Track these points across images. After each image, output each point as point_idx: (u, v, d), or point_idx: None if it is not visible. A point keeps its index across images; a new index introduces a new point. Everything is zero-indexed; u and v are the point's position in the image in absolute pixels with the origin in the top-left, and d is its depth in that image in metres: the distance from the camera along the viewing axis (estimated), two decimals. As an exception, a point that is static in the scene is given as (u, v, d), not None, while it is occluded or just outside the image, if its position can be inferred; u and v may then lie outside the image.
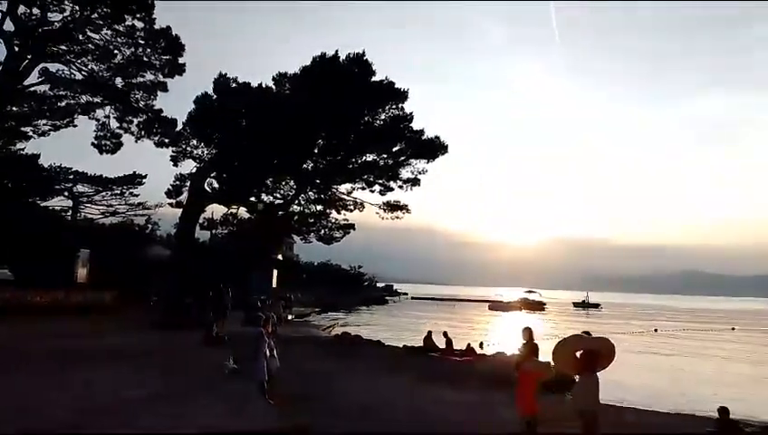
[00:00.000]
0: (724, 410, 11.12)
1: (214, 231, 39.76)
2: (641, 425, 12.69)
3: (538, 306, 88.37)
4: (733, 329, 58.92)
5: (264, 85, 31.48)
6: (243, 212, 35.64)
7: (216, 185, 32.53)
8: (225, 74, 32.08)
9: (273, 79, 31.45)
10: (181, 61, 29.29)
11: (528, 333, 9.88)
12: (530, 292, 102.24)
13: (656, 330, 51.91)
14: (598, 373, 9.12)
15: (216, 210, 36.84)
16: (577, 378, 9.59)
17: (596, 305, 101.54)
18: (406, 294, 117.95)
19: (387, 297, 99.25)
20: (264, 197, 34.33)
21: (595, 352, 9.42)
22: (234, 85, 31.76)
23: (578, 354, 9.48)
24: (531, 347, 9.63)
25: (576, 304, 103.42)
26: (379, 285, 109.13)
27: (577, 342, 9.85)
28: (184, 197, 32.59)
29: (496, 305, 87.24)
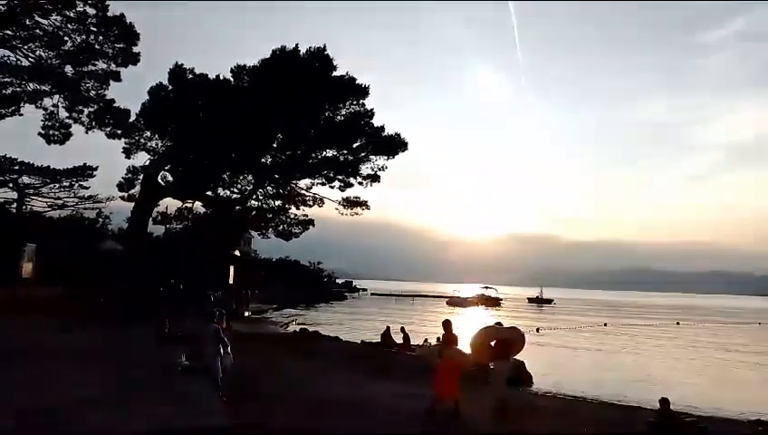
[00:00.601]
0: (664, 401, 11.66)
1: (168, 226, 38.78)
2: (589, 417, 13.16)
3: (494, 302, 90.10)
4: (677, 323, 61.64)
5: (221, 77, 30.91)
6: (198, 207, 34.94)
7: (170, 178, 31.76)
8: (182, 65, 31.36)
9: (232, 71, 30.93)
10: (135, 50, 28.38)
11: (447, 325, 10.65)
12: (487, 288, 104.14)
13: (605, 324, 53.78)
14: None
15: (170, 204, 35.98)
16: (492, 365, 10.53)
17: (549, 301, 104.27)
18: (365, 290, 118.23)
19: (346, 293, 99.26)
20: (220, 191, 33.75)
21: (507, 341, 10.52)
22: (190, 76, 31.05)
23: (492, 344, 10.42)
24: (450, 338, 10.36)
25: (531, 300, 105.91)
26: (338, 281, 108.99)
27: (491, 332, 10.83)
28: (136, 190, 31.69)
29: (454, 301, 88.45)
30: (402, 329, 24.29)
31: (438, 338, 10.38)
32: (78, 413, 8.74)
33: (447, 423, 9.76)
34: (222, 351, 10.62)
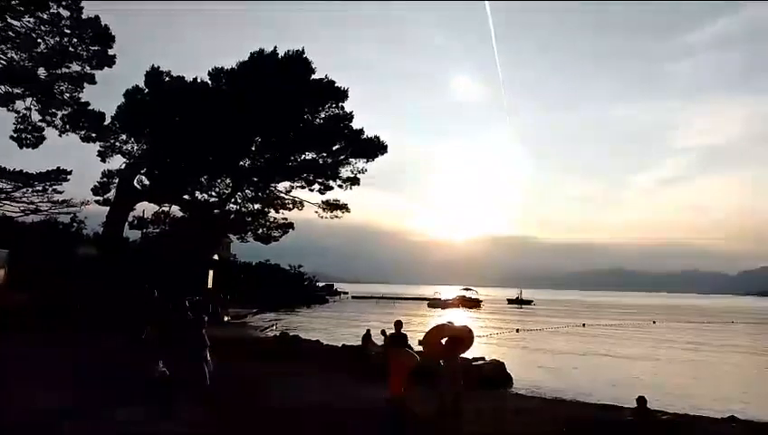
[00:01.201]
0: (641, 400, 11.85)
1: (145, 230, 38.18)
2: (567, 416, 13.29)
3: (475, 303, 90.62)
4: (653, 323, 62.77)
5: (199, 80, 30.62)
6: (176, 210, 34.48)
7: (146, 182, 31.33)
8: (158, 67, 30.97)
9: (209, 74, 30.66)
10: (111, 52, 27.96)
11: (398, 325, 11.16)
12: (467, 289, 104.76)
13: (584, 325, 54.47)
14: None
15: (146, 208, 35.42)
16: (442, 362, 10.96)
17: (529, 302, 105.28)
18: (346, 293, 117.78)
19: (327, 297, 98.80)
20: (198, 194, 33.38)
21: (457, 339, 10.92)
22: (167, 79, 30.68)
23: (443, 341, 10.90)
24: (399, 337, 10.83)
25: (510, 301, 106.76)
26: (319, 284, 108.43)
27: (442, 330, 11.40)
28: (112, 194, 31.17)
29: (435, 303, 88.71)
30: (383, 332, 24.22)
31: (385, 337, 10.82)
32: (48, 426, 8.51)
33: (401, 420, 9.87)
34: (206, 355, 10.45)
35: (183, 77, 30.89)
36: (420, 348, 11.39)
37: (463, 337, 11.07)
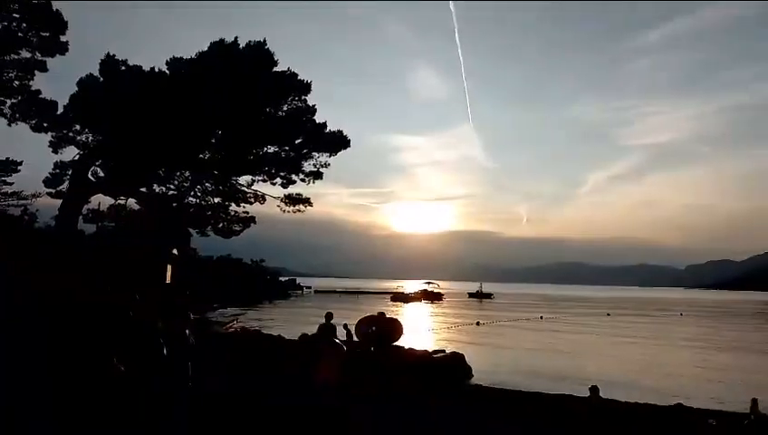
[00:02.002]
0: (594, 389, 12.30)
1: (100, 224, 37.03)
2: (526, 402, 13.70)
3: (437, 297, 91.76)
4: (608, 315, 64.94)
5: (157, 69, 29.76)
6: (132, 203, 33.53)
7: (101, 174, 30.30)
8: (114, 55, 29.93)
9: (167, 63, 29.81)
10: (63, 39, 26.87)
11: (328, 316, 12.09)
12: (429, 283, 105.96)
13: (541, 317, 55.92)
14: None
15: (102, 201, 34.33)
16: (373, 349, 12.12)
17: (489, 295, 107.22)
18: (309, 287, 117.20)
19: (290, 291, 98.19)
20: (156, 187, 32.50)
21: (387, 329, 12.26)
22: (123, 68, 29.71)
23: (371, 330, 12.68)
24: (328, 328, 11.77)
25: (471, 295, 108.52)
26: (281, 279, 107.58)
27: (372, 320, 12.91)
28: (65, 186, 30.04)
29: (398, 297, 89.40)
30: (345, 326, 24.30)
31: (319, 327, 11.85)
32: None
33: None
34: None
35: (140, 66, 29.98)
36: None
37: (392, 328, 12.82)
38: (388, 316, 13.33)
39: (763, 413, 10.62)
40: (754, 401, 10.89)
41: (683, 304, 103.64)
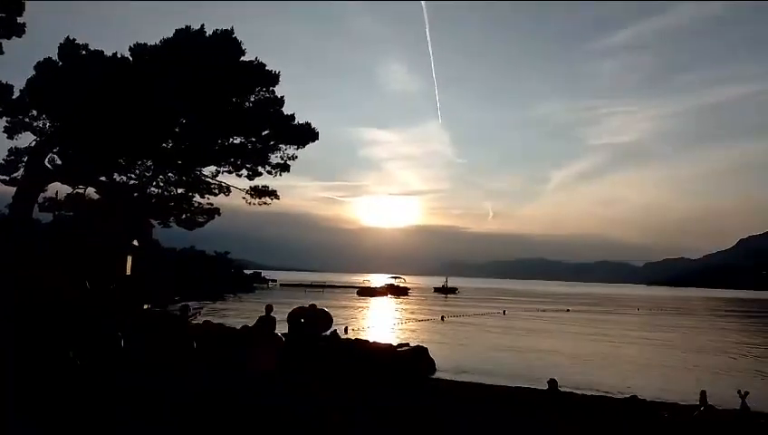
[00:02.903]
0: (552, 382, 12.61)
1: (57, 213, 35.83)
2: (489, 395, 13.93)
3: (403, 291, 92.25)
4: (567, 311, 66.54)
5: (119, 55, 28.89)
6: (91, 192, 32.52)
7: (59, 162, 29.28)
8: (74, 39, 28.90)
9: (130, 49, 28.96)
10: (20, 20, 25.76)
11: (268, 308, 12.80)
12: (395, 278, 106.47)
13: (504, 312, 56.89)
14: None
15: (60, 190, 33.18)
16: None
17: (454, 290, 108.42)
18: (275, 281, 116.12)
19: (255, 284, 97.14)
20: (116, 176, 31.59)
21: (316, 320, 14.02)
22: (83, 52, 28.72)
23: (302, 320, 13.91)
24: (268, 319, 12.47)
25: (436, 289, 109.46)
26: (246, 272, 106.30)
27: (303, 311, 14.15)
28: (21, 173, 28.91)
29: (365, 291, 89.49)
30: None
31: (259, 319, 12.77)
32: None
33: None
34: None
35: (101, 51, 29.05)
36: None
37: (322, 318, 14.51)
38: (317, 308, 14.94)
39: (711, 404, 11.08)
40: (703, 394, 11.35)
41: (640, 301, 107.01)
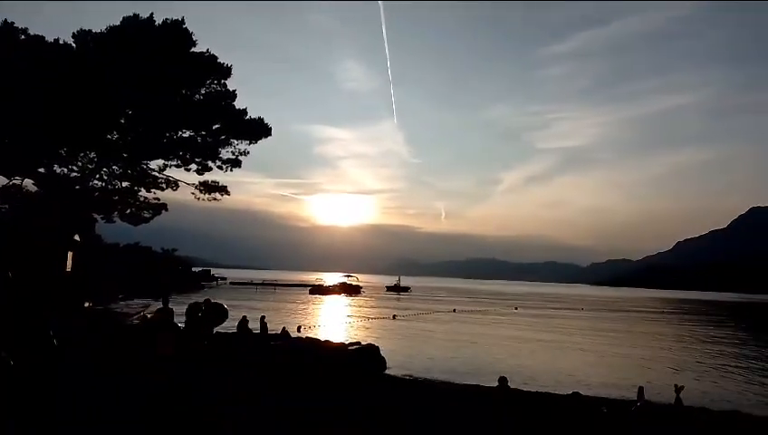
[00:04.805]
0: (502, 379, 12.83)
1: (-9, 205, 33.84)
2: (439, 392, 14.06)
3: (355, 290, 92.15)
4: (516, 309, 68.16)
5: (62, 41, 27.59)
6: (29, 184, 30.89)
7: (-7, 151, 27.68)
8: (12, 23, 27.40)
9: (74, 36, 27.75)
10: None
11: (165, 301, 14.25)
12: (348, 276, 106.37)
13: (454, 310, 57.72)
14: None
15: (-6, 181, 31.35)
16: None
17: (406, 289, 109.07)
18: (225, 279, 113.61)
19: (203, 283, 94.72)
20: (56, 168, 30.11)
21: (212, 313, 15.31)
22: (22, 37, 27.28)
23: (199, 314, 15.30)
24: (166, 311, 13.88)
25: (389, 288, 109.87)
26: (194, 269, 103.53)
27: (199, 305, 15.68)
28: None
29: (317, 289, 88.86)
30: (262, 318, 23.84)
31: (157, 312, 14.58)
32: None
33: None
34: None
35: (42, 36, 27.68)
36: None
37: (218, 311, 15.82)
38: (213, 302, 16.43)
39: (648, 400, 11.55)
40: (641, 389, 11.82)
41: (584, 300, 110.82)
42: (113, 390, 10.19)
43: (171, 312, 14.11)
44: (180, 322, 16.25)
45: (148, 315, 30.15)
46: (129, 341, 15.82)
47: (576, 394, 14.18)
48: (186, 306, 16.17)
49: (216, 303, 16.26)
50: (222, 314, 15.86)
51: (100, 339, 16.39)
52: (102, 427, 8.32)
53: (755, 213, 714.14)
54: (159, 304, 19.86)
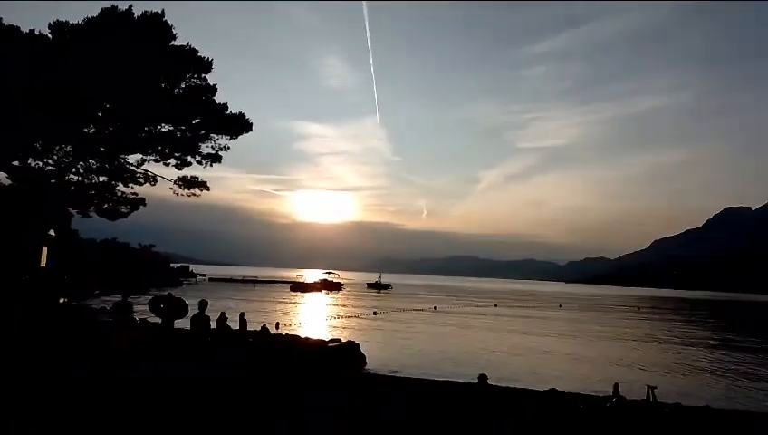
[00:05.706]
0: (482, 377, 12.96)
1: (-38, 199, 33.00)
2: (420, 389, 14.13)
3: (336, 287, 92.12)
4: (495, 306, 68.77)
5: (38, 32, 26.97)
6: (3, 178, 30.21)
7: (-35, 143, 26.99)
8: (-15, 12, 26.72)
9: (50, 27, 27.13)
10: None
11: (125, 295, 15.46)
12: (329, 273, 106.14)
13: (435, 308, 58.00)
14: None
15: (-34, 174, 30.57)
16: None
17: (387, 286, 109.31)
18: (204, 275, 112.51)
19: (181, 279, 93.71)
20: (30, 161, 29.47)
21: (174, 307, 15.48)
22: (-5, 27, 26.60)
23: (162, 306, 15.97)
24: (125, 305, 14.87)
25: (370, 285, 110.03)
26: (173, 265, 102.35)
27: (162, 299, 16.27)
28: None
29: (298, 286, 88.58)
30: (241, 315, 23.68)
31: (114, 304, 15.48)
32: None
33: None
34: None
35: (17, 27, 27.04)
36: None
37: (178, 305, 15.97)
38: (174, 296, 16.72)
39: (623, 396, 11.78)
40: (616, 386, 12.07)
41: (562, 298, 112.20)
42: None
43: (130, 306, 14.83)
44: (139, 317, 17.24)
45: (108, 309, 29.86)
46: (89, 336, 16.15)
47: (553, 390, 14.40)
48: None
49: (176, 298, 16.67)
50: (182, 308, 16.18)
51: (60, 333, 16.97)
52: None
53: (729, 213, 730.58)
54: (135, 301, 20.20)
